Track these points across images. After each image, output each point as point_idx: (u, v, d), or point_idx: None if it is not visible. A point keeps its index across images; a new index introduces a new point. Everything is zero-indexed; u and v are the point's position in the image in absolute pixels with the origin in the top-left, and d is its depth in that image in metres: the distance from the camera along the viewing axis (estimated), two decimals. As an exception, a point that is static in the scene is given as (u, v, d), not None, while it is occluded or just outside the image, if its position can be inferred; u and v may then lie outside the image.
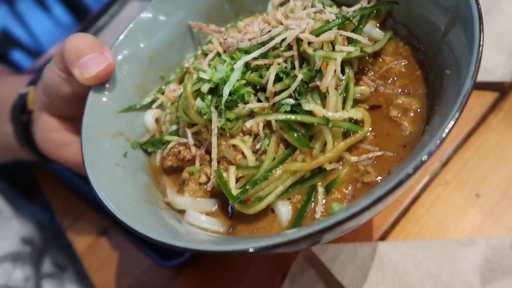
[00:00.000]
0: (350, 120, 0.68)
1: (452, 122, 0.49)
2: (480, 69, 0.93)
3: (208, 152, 0.76)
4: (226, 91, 0.70)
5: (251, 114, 0.73)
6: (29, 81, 1.04)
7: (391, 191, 0.49)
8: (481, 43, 0.55)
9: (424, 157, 0.48)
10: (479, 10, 0.57)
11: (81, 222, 1.24)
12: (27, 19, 4.26)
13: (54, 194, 1.34)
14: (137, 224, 0.60)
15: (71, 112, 0.93)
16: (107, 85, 0.82)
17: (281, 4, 0.91)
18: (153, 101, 0.88)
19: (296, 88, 0.69)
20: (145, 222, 0.64)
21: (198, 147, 0.77)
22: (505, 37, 0.95)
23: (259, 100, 0.73)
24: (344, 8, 0.84)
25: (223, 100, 0.70)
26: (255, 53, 0.71)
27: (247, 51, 0.74)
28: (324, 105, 0.67)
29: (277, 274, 0.91)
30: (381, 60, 0.76)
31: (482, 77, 0.91)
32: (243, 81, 0.71)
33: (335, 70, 0.67)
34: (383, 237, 0.86)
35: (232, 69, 0.72)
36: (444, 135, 0.50)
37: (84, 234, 1.20)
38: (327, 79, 0.66)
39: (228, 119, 0.72)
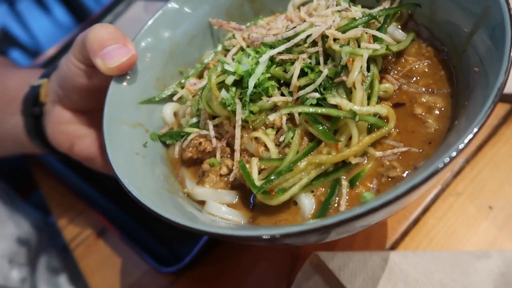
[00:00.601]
0: (375, 115, 0.68)
1: (489, 110, 0.50)
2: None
3: (229, 144, 0.76)
4: (251, 83, 0.70)
5: (274, 108, 0.73)
6: (42, 74, 1.03)
7: (426, 179, 0.48)
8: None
9: (461, 146, 0.49)
10: (509, 10, 0.58)
11: (78, 222, 1.21)
12: (26, 18, 4.26)
13: (51, 192, 1.32)
14: (161, 210, 0.59)
15: (86, 105, 0.92)
16: (128, 77, 0.82)
17: (302, 5, 0.93)
18: (172, 95, 0.88)
19: (321, 83, 0.70)
20: (168, 209, 0.63)
21: (219, 139, 0.77)
22: None
23: (282, 94, 0.73)
24: (366, 9, 0.85)
25: (248, 92, 0.70)
26: (281, 47, 0.72)
27: (271, 46, 0.75)
28: (349, 100, 0.68)
29: (281, 282, 0.89)
30: (403, 60, 0.77)
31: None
32: (268, 75, 0.72)
33: (361, 67, 0.68)
34: (393, 247, 0.85)
35: (257, 63, 0.72)
36: (477, 128, 0.50)
37: (81, 235, 1.18)
38: (354, 74, 0.67)
39: (251, 112, 0.72)
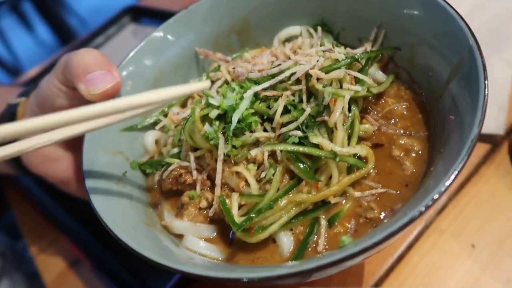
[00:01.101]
0: (355, 156, 0.70)
1: (461, 164, 0.52)
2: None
3: (210, 177, 0.76)
4: (235, 118, 0.71)
5: (256, 143, 0.74)
6: (20, 92, 1.01)
7: (402, 228, 0.50)
8: (486, 92, 0.58)
9: (436, 196, 0.50)
10: (483, 62, 0.61)
11: (51, 250, 1.17)
12: (8, 36, 4.16)
13: (24, 217, 1.26)
14: (138, 246, 0.58)
15: None
16: (110, 103, 0.82)
17: (287, 40, 0.95)
18: (155, 123, 0.87)
19: (303, 121, 0.71)
20: (144, 244, 0.62)
21: (199, 171, 0.77)
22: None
23: (265, 130, 0.74)
24: (348, 49, 0.88)
25: (232, 127, 0.71)
26: (265, 84, 0.73)
27: (256, 82, 0.76)
28: (330, 140, 0.69)
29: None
30: (383, 101, 0.80)
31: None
32: (252, 110, 0.73)
33: (342, 107, 0.70)
34: (377, 284, 0.85)
35: (241, 98, 0.73)
36: (450, 181, 0.52)
37: (54, 263, 1.14)
38: (336, 114, 0.68)
39: (233, 146, 0.72)
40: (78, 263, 1.12)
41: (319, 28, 0.91)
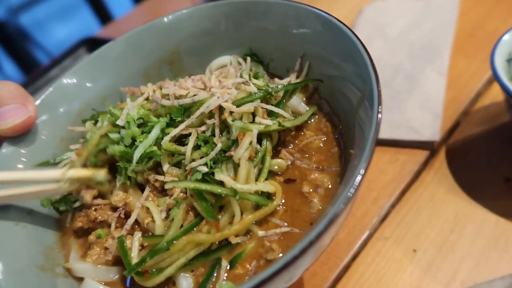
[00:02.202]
0: (263, 193, 0.67)
1: (333, 213, 0.49)
2: (411, 128, 1.01)
3: (126, 214, 0.73)
4: (136, 155, 0.69)
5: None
6: None
7: (275, 274, 0.47)
8: (376, 133, 0.55)
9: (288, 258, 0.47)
10: (379, 99, 0.59)
11: None
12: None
13: None
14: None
15: None
16: (27, 136, 0.79)
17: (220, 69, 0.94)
18: (75, 156, 0.85)
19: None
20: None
21: (114, 210, 0.74)
22: (431, 101, 1.03)
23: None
24: (276, 79, 0.87)
25: (132, 166, 0.70)
26: (176, 130, 0.71)
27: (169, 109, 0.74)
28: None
29: None
30: (302, 134, 0.78)
31: (413, 136, 0.99)
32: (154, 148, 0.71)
33: (251, 142, 0.68)
34: None
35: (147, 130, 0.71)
36: (317, 233, 0.49)
37: None
38: (241, 150, 0.66)
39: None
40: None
41: (248, 59, 0.90)
